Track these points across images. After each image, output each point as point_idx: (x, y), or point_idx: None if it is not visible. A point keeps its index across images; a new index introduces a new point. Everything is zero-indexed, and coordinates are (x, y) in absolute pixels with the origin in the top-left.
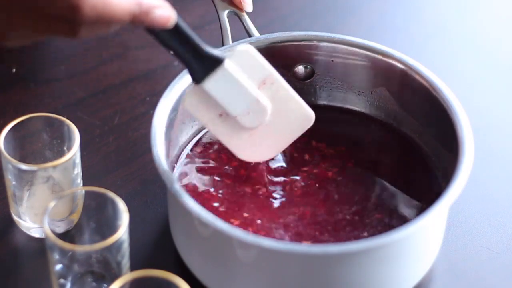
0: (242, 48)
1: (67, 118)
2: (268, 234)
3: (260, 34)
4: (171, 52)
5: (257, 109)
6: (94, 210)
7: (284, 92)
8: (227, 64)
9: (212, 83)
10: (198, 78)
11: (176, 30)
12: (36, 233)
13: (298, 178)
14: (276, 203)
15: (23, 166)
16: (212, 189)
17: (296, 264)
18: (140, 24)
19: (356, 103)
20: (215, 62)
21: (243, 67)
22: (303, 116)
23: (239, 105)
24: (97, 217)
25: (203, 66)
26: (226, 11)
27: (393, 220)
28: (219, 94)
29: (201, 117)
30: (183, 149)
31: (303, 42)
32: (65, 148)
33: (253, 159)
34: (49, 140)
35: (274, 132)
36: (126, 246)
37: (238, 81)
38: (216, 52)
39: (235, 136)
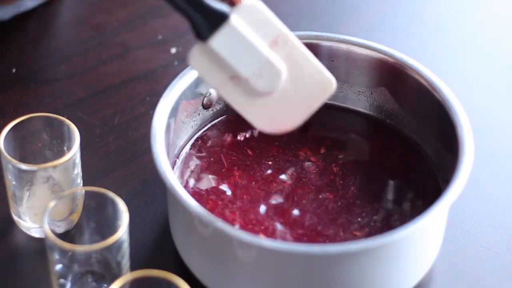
0: (249, 2)
1: (67, 118)
2: (265, 234)
3: None
4: (172, 6)
5: (270, 71)
6: (94, 210)
7: (299, 54)
8: (234, 19)
9: (218, 40)
10: (202, 36)
11: None
12: (36, 233)
13: (297, 177)
14: (276, 201)
15: (23, 166)
16: (212, 188)
17: (296, 264)
18: None
19: (356, 103)
20: (221, 18)
21: (252, 24)
22: (321, 82)
23: (249, 66)
24: (97, 217)
25: (208, 21)
26: None
27: (393, 220)
28: (226, 52)
29: (211, 78)
30: (183, 149)
31: (303, 42)
32: (65, 148)
33: (269, 130)
34: (49, 140)
35: (291, 100)
36: (126, 246)
37: (246, 38)
38: (221, 6)
39: (249, 102)
